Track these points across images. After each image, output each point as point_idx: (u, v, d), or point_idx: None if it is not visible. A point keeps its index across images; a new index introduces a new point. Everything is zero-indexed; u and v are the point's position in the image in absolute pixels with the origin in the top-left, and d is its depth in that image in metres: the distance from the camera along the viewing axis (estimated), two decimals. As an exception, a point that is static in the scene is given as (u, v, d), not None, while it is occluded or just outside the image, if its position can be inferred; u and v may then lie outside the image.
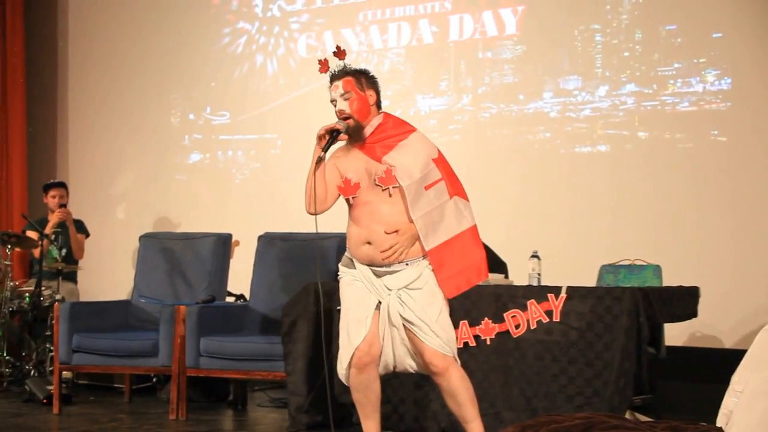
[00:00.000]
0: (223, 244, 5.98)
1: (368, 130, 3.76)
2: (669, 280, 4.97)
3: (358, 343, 3.71)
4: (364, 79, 3.78)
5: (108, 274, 7.77)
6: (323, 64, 3.79)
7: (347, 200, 3.77)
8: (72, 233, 7.10)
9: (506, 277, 5.23)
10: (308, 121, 7.21)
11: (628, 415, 4.26)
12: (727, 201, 5.88)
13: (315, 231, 3.76)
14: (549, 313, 4.49)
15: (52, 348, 6.18)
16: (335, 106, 3.75)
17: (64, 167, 8.41)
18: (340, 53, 3.80)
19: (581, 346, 4.41)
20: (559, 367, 4.43)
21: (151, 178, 7.99)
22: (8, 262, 6.70)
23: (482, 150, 6.73)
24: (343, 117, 3.72)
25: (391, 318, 3.70)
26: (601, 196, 6.28)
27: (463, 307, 4.64)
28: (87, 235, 7.30)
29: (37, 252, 6.85)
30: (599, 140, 6.32)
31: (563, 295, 4.47)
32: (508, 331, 4.56)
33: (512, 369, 4.53)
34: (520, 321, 4.54)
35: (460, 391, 3.72)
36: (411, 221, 3.66)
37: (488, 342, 4.59)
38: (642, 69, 6.16)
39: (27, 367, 6.47)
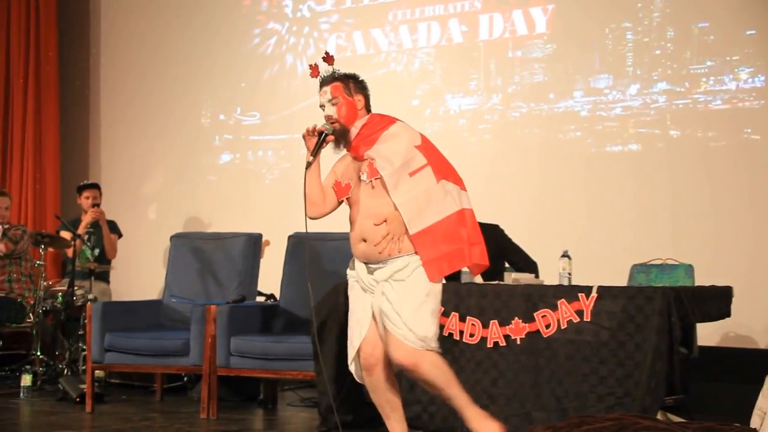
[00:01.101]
0: (254, 243, 6.00)
1: (354, 132, 3.81)
2: (701, 279, 4.92)
3: (358, 345, 3.78)
4: (352, 84, 3.85)
5: (139, 274, 7.82)
6: (314, 69, 3.87)
7: (341, 203, 3.87)
8: (105, 233, 7.16)
9: (537, 276, 5.20)
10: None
11: (660, 416, 4.22)
12: (761, 200, 5.81)
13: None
14: (580, 313, 4.46)
15: (84, 347, 6.23)
16: (324, 110, 3.82)
17: (97, 169, 8.48)
18: (328, 59, 3.87)
19: (612, 346, 4.37)
20: (589, 367, 4.40)
21: (181, 178, 8.04)
22: (42, 262, 6.77)
23: (512, 149, 6.70)
24: (330, 122, 3.78)
25: (374, 312, 3.75)
26: (633, 195, 6.23)
27: (494, 307, 4.63)
28: (120, 235, 7.37)
29: (70, 252, 6.92)
30: (630, 139, 6.27)
31: (594, 294, 4.44)
32: (538, 331, 4.53)
33: (543, 369, 4.51)
34: (550, 321, 4.51)
35: (433, 380, 3.72)
36: (395, 207, 3.68)
37: (518, 342, 4.56)
38: (674, 67, 6.11)
39: (60, 366, 6.53)
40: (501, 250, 5.46)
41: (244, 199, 7.70)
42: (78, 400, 5.66)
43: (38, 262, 6.69)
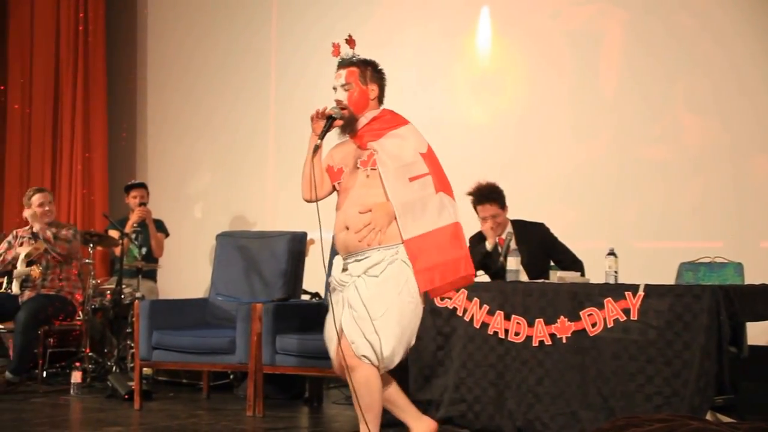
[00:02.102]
0: (299, 242, 6.02)
1: (362, 122, 3.75)
2: (751, 278, 4.84)
3: (332, 348, 3.70)
4: (369, 71, 3.79)
5: (186, 272, 7.89)
6: (336, 48, 3.81)
7: (335, 188, 3.79)
8: (152, 232, 7.24)
9: (582, 275, 5.16)
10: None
11: (709, 416, 4.16)
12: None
13: (318, 221, 3.63)
14: (626, 312, 4.41)
15: (132, 345, 6.30)
16: (335, 92, 3.76)
17: (144, 168, 8.57)
18: (350, 41, 3.82)
19: (660, 344, 4.32)
20: (636, 366, 4.35)
21: (227, 177, 8.09)
22: (91, 261, 6.85)
23: (558, 147, 6.65)
24: (340, 107, 3.72)
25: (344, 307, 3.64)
26: (681, 195, 6.15)
27: (539, 305, 4.60)
28: (167, 234, 7.44)
29: (118, 251, 7.00)
30: (683, 137, 6.20)
31: (641, 293, 4.39)
32: (584, 330, 4.49)
33: (589, 368, 4.46)
34: (596, 319, 4.47)
35: (359, 394, 3.61)
36: (387, 201, 3.61)
37: (564, 340, 4.53)
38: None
39: (109, 364, 6.61)
40: (546, 248, 5.43)
41: (289, 198, 7.72)
42: (126, 397, 5.71)
43: (87, 260, 6.77)
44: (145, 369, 5.83)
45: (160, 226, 7.40)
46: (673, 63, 6.21)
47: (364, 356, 3.56)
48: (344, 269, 3.68)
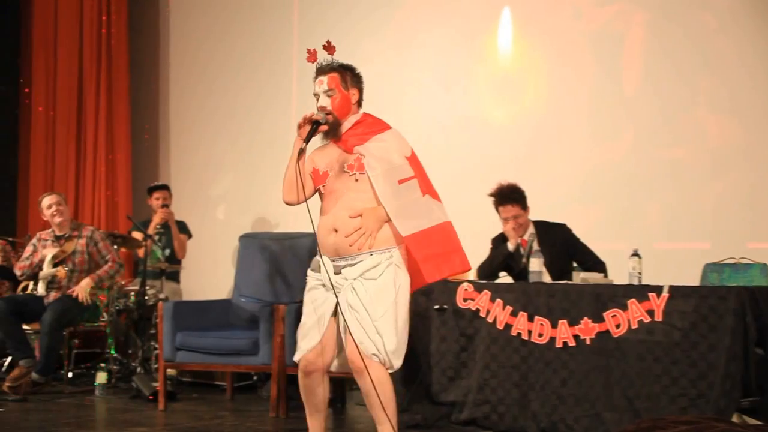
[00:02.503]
0: (321, 243, 6.02)
1: (345, 126, 3.80)
2: (776, 278, 4.81)
3: (307, 350, 3.72)
4: (349, 76, 3.84)
5: (209, 274, 7.92)
6: (311, 54, 3.85)
7: (318, 191, 3.82)
8: (174, 233, 7.28)
9: (605, 275, 5.15)
10: (406, 122, 7.23)
11: (735, 419, 4.14)
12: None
13: (311, 222, 3.72)
14: (650, 313, 4.40)
15: (156, 346, 6.34)
16: (317, 100, 3.81)
17: (166, 170, 8.61)
18: (329, 48, 3.86)
19: (685, 346, 4.30)
20: (661, 368, 4.34)
21: (249, 179, 8.12)
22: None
23: (580, 147, 6.64)
24: (325, 112, 3.76)
25: (341, 308, 3.66)
26: (704, 195, 6.12)
27: (562, 307, 4.59)
28: (189, 235, 7.48)
29: (141, 252, 7.05)
30: (704, 138, 6.18)
31: (665, 294, 4.38)
32: (608, 331, 4.48)
33: (613, 369, 4.46)
34: (620, 321, 4.46)
35: (371, 394, 3.63)
36: (377, 205, 3.65)
37: (588, 342, 4.52)
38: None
39: (133, 365, 6.66)
40: (569, 249, 5.42)
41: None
42: (151, 397, 5.75)
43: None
44: (169, 370, 5.86)
45: (183, 227, 7.44)
46: (693, 63, 6.18)
47: (374, 355, 3.61)
48: (337, 272, 3.70)
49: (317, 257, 3.78)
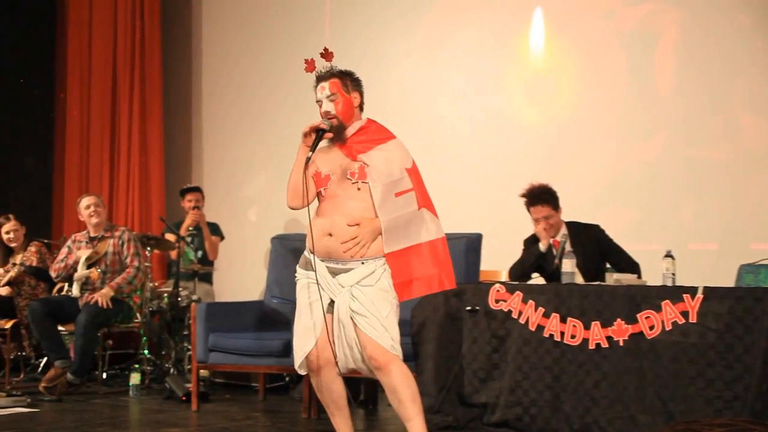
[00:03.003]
0: (352, 244, 6.02)
1: (350, 131, 3.85)
2: (814, 279, 4.75)
3: (308, 349, 3.78)
4: (349, 81, 3.90)
5: (241, 275, 7.96)
6: (309, 64, 3.93)
7: (318, 193, 3.86)
8: (206, 235, 7.32)
9: (639, 276, 5.11)
10: (437, 123, 7.23)
11: (771, 421, 4.10)
12: None
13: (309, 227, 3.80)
14: (685, 314, 4.36)
15: (189, 347, 6.38)
16: (321, 106, 3.86)
17: (199, 172, 8.67)
18: (327, 55, 3.93)
19: (720, 348, 4.26)
20: (696, 370, 4.30)
21: (281, 180, 8.05)
22: (148, 264, 6.95)
23: (612, 148, 6.60)
24: (328, 117, 3.82)
25: (340, 315, 3.73)
26: (739, 195, 6.06)
27: (595, 308, 4.56)
28: (222, 237, 7.52)
29: (174, 254, 7.10)
30: (736, 140, 6.12)
31: (700, 295, 4.34)
32: (642, 332, 4.45)
33: (647, 371, 4.42)
34: (654, 322, 4.42)
35: (400, 388, 3.69)
36: (375, 216, 3.71)
37: (621, 343, 4.49)
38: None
39: (167, 366, 6.70)
40: (602, 250, 5.39)
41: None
42: (184, 398, 5.78)
43: (145, 263, 6.86)
44: (202, 371, 5.89)
45: (215, 229, 7.48)
46: (729, 61, 6.12)
47: (392, 347, 3.69)
48: (332, 275, 3.76)
49: (306, 254, 3.85)
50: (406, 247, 3.78)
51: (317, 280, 3.77)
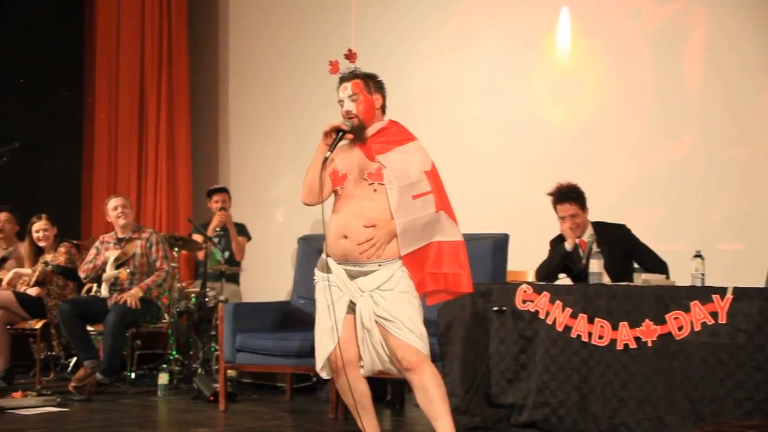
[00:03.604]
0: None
1: (370, 131, 3.85)
2: None
3: (330, 350, 3.78)
4: (372, 83, 3.90)
5: (268, 276, 7.98)
6: (333, 66, 3.93)
7: (335, 192, 3.87)
8: (233, 235, 7.35)
9: (667, 276, 5.08)
10: (464, 123, 7.22)
11: (802, 422, 4.05)
12: None
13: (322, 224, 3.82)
14: (714, 315, 4.33)
15: (217, 347, 6.40)
16: (342, 106, 3.87)
17: (226, 173, 8.71)
18: (351, 56, 3.93)
19: (750, 349, 4.22)
20: (726, 371, 4.26)
21: (306, 182, 8.14)
22: (176, 265, 6.98)
23: (639, 148, 6.56)
24: (349, 117, 3.82)
25: (363, 320, 3.73)
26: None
27: (623, 308, 4.54)
28: (249, 238, 7.55)
29: (201, 255, 7.13)
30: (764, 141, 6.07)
31: (729, 296, 4.30)
32: (670, 333, 4.42)
33: (676, 372, 4.39)
34: (683, 323, 4.39)
35: (430, 387, 3.71)
36: (391, 218, 3.70)
37: (650, 344, 4.46)
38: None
39: (194, 366, 6.73)
40: (628, 250, 5.36)
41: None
42: (212, 398, 5.81)
43: (173, 264, 6.90)
44: (229, 371, 5.91)
45: (242, 230, 7.50)
46: (758, 60, 6.08)
47: (423, 347, 3.70)
48: (350, 277, 3.77)
49: (323, 257, 3.85)
50: (424, 247, 3.77)
51: (332, 283, 3.77)
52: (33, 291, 6.74)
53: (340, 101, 3.90)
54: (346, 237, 3.76)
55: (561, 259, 5.40)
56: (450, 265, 3.82)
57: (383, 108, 3.93)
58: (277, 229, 8.23)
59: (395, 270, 3.73)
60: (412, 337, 3.69)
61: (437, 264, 3.81)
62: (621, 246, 5.35)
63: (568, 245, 5.38)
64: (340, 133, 3.80)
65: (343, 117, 3.85)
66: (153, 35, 8.58)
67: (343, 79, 3.91)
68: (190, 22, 8.77)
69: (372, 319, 3.72)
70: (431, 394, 3.72)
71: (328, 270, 3.81)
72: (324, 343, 3.83)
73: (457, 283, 3.84)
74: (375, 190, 3.76)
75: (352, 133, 3.83)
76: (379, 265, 3.73)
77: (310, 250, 6.20)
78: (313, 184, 3.85)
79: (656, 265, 5.25)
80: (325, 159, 3.80)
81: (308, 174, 3.87)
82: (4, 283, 6.87)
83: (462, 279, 3.83)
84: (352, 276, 3.76)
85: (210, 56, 8.87)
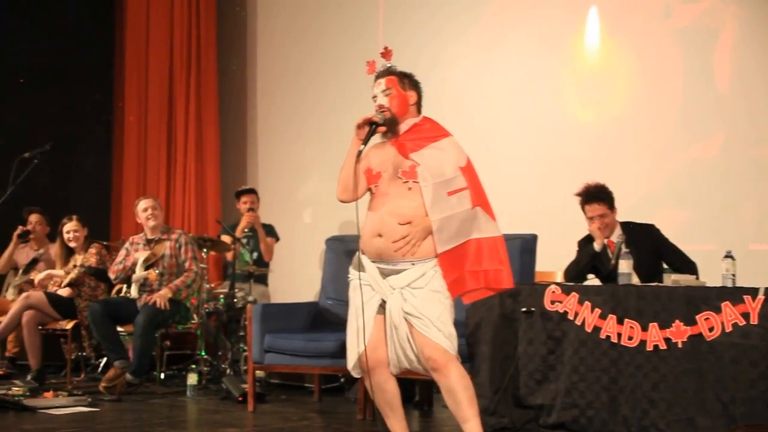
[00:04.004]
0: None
1: (403, 127, 3.83)
2: None
3: (360, 350, 3.77)
4: (407, 80, 3.90)
5: (296, 277, 7.99)
6: (370, 66, 3.92)
7: (369, 190, 3.85)
8: (261, 236, 7.38)
9: (697, 278, 5.03)
10: (492, 123, 7.20)
11: (835, 425, 4.01)
12: None
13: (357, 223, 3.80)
14: (745, 316, 4.29)
15: (245, 348, 6.42)
16: (375, 101, 3.85)
17: (254, 174, 8.74)
18: (386, 53, 3.93)
19: (782, 350, 4.18)
20: (758, 372, 4.22)
21: (336, 181, 8.14)
22: (204, 266, 7.01)
23: (670, 148, 6.51)
24: (381, 110, 3.80)
25: (393, 317, 3.71)
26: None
27: (653, 309, 4.50)
28: (277, 238, 7.57)
29: (230, 255, 7.16)
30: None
31: (761, 296, 4.26)
32: (701, 334, 4.38)
33: (706, 373, 4.35)
34: (713, 323, 4.35)
35: (458, 389, 3.68)
36: (426, 216, 3.68)
37: (680, 345, 4.42)
38: None
39: (223, 366, 6.76)
40: (657, 250, 5.32)
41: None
42: (240, 399, 5.83)
43: (201, 265, 6.93)
44: (257, 372, 5.92)
45: (270, 230, 7.53)
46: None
47: (450, 347, 3.68)
48: (383, 276, 3.75)
49: (358, 254, 3.85)
50: (461, 244, 3.74)
51: (365, 281, 3.77)
52: (64, 292, 6.80)
53: (374, 96, 3.88)
54: (380, 235, 3.75)
55: (590, 259, 5.38)
56: (490, 262, 3.78)
57: (418, 106, 3.92)
58: (305, 230, 8.24)
59: (427, 269, 3.71)
60: (440, 336, 3.67)
61: (477, 261, 3.77)
62: (650, 246, 5.31)
63: (596, 245, 5.35)
64: (373, 126, 3.79)
65: (376, 111, 3.83)
66: (182, 38, 8.63)
67: (378, 76, 3.91)
68: (218, 24, 8.82)
69: (400, 315, 3.71)
70: (458, 397, 3.70)
71: (361, 268, 3.80)
72: (355, 343, 3.83)
73: (498, 280, 3.80)
74: (409, 188, 3.74)
75: (385, 125, 3.81)
76: (413, 264, 3.71)
77: (338, 250, 6.20)
78: (347, 180, 3.85)
79: (686, 265, 5.21)
80: (359, 153, 3.80)
81: (343, 170, 3.87)
82: (36, 282, 6.95)
83: (503, 275, 3.80)
84: (385, 274, 3.75)
85: (238, 58, 8.91)
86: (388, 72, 3.90)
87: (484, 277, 3.79)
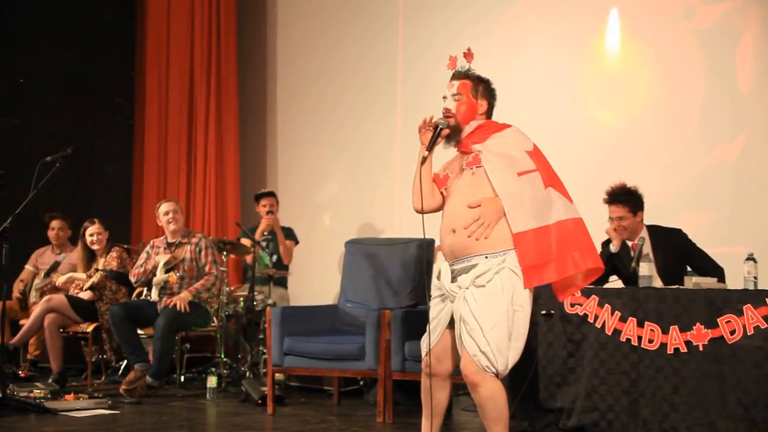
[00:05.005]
0: (426, 249, 6.02)
1: (466, 130, 3.73)
2: None
3: (425, 352, 3.69)
4: (482, 87, 3.76)
5: (316, 279, 8.00)
6: (452, 61, 3.80)
7: (441, 194, 3.76)
8: (280, 239, 7.38)
9: (721, 281, 4.98)
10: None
11: None
12: None
13: (422, 235, 3.72)
14: (767, 319, 4.24)
15: (265, 351, 6.43)
16: (444, 102, 3.75)
17: (274, 177, 8.76)
18: (468, 55, 3.80)
19: (805, 353, 4.14)
20: (780, 376, 4.18)
21: (355, 185, 8.18)
22: (224, 269, 7.03)
23: (693, 150, 6.47)
24: (447, 116, 3.71)
25: (456, 323, 3.57)
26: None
27: (674, 312, 4.47)
28: (296, 242, 7.58)
29: (249, 258, 7.17)
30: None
31: (783, 299, 4.22)
32: (722, 337, 4.35)
33: (728, 377, 4.31)
34: (735, 326, 4.32)
35: (485, 409, 3.55)
36: (496, 196, 3.53)
37: (701, 348, 4.39)
38: None
39: (243, 369, 6.77)
40: (684, 255, 5.28)
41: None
42: (260, 402, 5.83)
43: (221, 268, 6.94)
44: (277, 374, 5.93)
45: (289, 233, 7.53)
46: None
47: (487, 367, 3.51)
48: (453, 279, 3.63)
49: (444, 263, 3.73)
50: (538, 227, 3.51)
51: (441, 291, 3.68)
52: (86, 295, 6.84)
53: (444, 97, 3.78)
54: (454, 231, 3.62)
55: (606, 260, 5.34)
56: (580, 242, 3.56)
57: (488, 115, 3.79)
58: (324, 233, 8.25)
59: (493, 265, 3.50)
60: (479, 350, 3.48)
61: (563, 244, 3.51)
62: (677, 251, 5.28)
63: (612, 247, 5.35)
64: (437, 130, 3.69)
65: (443, 114, 3.74)
66: (202, 42, 8.67)
67: (452, 77, 3.80)
68: (238, 28, 8.85)
69: (459, 318, 3.56)
70: (485, 414, 3.58)
71: (439, 275, 3.71)
72: (424, 345, 3.75)
73: (586, 258, 3.54)
74: (473, 174, 3.62)
75: (449, 129, 3.71)
76: (486, 257, 3.52)
77: (357, 254, 6.21)
78: (416, 188, 3.74)
79: (713, 270, 5.16)
80: (424, 159, 3.70)
81: (415, 180, 3.76)
82: (58, 285, 6.99)
83: (593, 253, 3.58)
84: (456, 275, 3.61)
85: (258, 61, 8.93)
86: (464, 75, 3.77)
87: (572, 261, 3.54)
